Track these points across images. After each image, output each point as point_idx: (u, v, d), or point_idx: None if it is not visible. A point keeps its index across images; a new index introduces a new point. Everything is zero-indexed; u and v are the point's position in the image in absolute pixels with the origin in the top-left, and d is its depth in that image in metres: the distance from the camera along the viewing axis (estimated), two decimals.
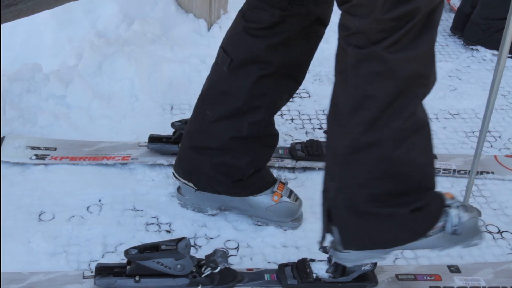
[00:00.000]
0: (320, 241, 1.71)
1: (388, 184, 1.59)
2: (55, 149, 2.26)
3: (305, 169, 2.29)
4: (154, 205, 2.08)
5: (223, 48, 1.88)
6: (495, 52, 3.11)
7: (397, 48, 1.47)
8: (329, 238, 1.70)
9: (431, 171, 1.65)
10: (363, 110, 1.53)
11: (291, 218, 2.02)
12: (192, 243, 1.94)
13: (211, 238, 1.97)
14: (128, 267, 1.72)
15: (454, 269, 1.89)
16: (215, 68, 1.93)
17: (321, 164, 2.27)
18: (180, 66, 2.76)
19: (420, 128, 1.59)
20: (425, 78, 1.55)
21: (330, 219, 1.67)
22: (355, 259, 1.69)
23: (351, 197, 1.61)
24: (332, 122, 1.63)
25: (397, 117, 1.53)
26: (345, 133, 1.57)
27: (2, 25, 2.07)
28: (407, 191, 1.61)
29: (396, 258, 1.96)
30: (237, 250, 1.94)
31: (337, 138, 1.60)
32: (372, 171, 1.58)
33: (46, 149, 2.25)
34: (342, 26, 1.53)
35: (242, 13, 1.88)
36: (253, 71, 1.83)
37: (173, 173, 2.05)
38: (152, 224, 2.02)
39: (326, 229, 1.68)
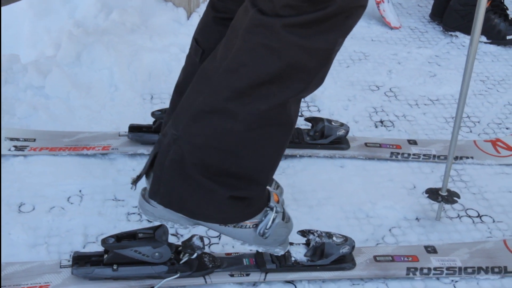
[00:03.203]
0: (134, 179, 1.63)
1: (223, 159, 1.53)
2: (34, 140, 2.24)
3: (286, 156, 2.29)
4: (135, 195, 2.05)
5: (195, 39, 1.87)
6: None
7: (297, 32, 1.40)
8: (143, 181, 1.63)
9: (271, 168, 1.61)
10: (236, 76, 1.46)
11: None
12: (173, 232, 1.93)
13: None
14: (105, 256, 1.71)
15: (431, 250, 1.91)
16: (188, 60, 1.92)
17: (302, 151, 2.28)
18: (160, 55, 2.75)
19: (283, 124, 1.53)
20: (307, 75, 1.48)
21: (152, 164, 1.58)
22: (159, 216, 1.61)
23: (183, 152, 1.52)
24: (203, 73, 1.54)
25: (264, 100, 1.47)
26: (211, 90, 1.49)
27: None
28: (237, 176, 1.55)
29: (377, 244, 1.97)
30: (219, 238, 1.94)
31: (200, 91, 1.52)
32: (215, 139, 1.51)
33: (25, 140, 2.23)
34: None
35: (211, 3, 1.86)
36: None
37: None
38: (134, 213, 2.01)
39: (146, 172, 1.60)
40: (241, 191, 1.58)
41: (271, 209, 1.65)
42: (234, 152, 1.53)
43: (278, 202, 1.68)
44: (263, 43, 1.43)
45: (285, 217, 1.69)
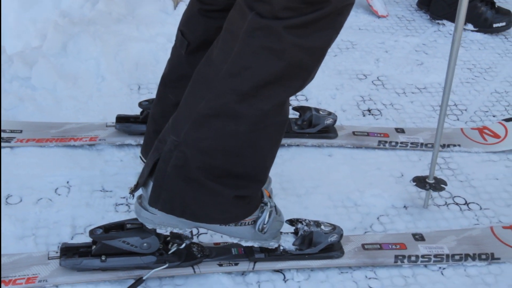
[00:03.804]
0: (132, 188, 1.64)
1: (228, 161, 1.57)
2: (21, 131, 2.23)
3: None
4: (123, 186, 2.07)
5: (181, 31, 1.87)
6: None
7: (297, 33, 1.44)
8: (140, 191, 1.64)
9: (269, 165, 1.66)
10: (239, 79, 1.48)
11: None
12: None
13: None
14: (93, 247, 1.71)
15: (419, 237, 1.92)
16: (174, 51, 1.92)
17: (290, 141, 2.28)
18: (147, 45, 2.73)
19: (280, 123, 1.58)
20: (307, 73, 1.53)
21: (151, 172, 1.59)
22: (158, 222, 1.62)
23: (186, 158, 1.54)
24: (201, 77, 1.56)
25: (267, 100, 1.51)
26: (213, 94, 1.51)
27: None
28: (240, 176, 1.59)
29: (365, 232, 1.98)
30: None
31: (200, 96, 1.53)
32: (221, 141, 1.54)
33: (11, 131, 2.21)
34: None
35: None
36: None
37: (140, 156, 2.04)
38: (122, 204, 2.01)
39: (143, 180, 1.60)
40: (244, 190, 1.62)
41: (266, 204, 1.69)
42: (238, 153, 1.57)
43: (269, 197, 1.72)
44: (265, 46, 1.45)
45: (277, 211, 1.73)
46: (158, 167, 1.57)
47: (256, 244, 1.72)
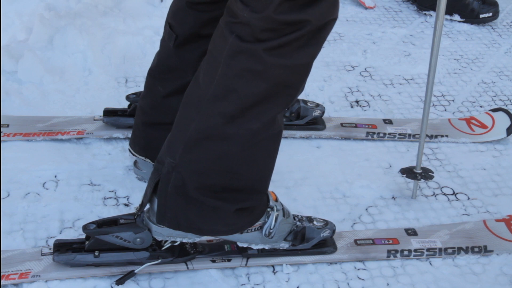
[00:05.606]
0: (138, 208, 1.67)
1: (224, 179, 1.59)
2: (8, 125, 2.21)
3: None
4: (111, 179, 2.06)
5: (169, 24, 1.86)
6: (447, 16, 3.15)
7: (278, 53, 1.44)
8: (147, 206, 1.68)
9: (269, 175, 1.67)
10: (225, 102, 1.50)
11: None
12: None
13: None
14: (86, 242, 1.70)
15: (411, 232, 1.93)
16: (162, 44, 1.92)
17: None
18: (134, 38, 2.72)
19: (275, 135, 1.59)
20: (293, 89, 1.54)
21: (154, 190, 1.63)
22: (167, 234, 1.66)
23: (184, 179, 1.58)
24: (190, 100, 1.57)
25: (256, 120, 1.52)
26: (202, 117, 1.53)
27: None
28: (239, 190, 1.61)
29: (354, 223, 1.99)
30: None
31: (190, 118, 1.55)
32: (214, 162, 1.57)
33: None
34: (230, 11, 1.46)
35: None
36: (198, 46, 1.80)
37: (129, 149, 2.03)
38: (110, 198, 2.00)
39: (148, 199, 1.64)
40: (245, 202, 1.64)
41: (272, 209, 1.70)
42: (234, 170, 1.58)
43: (276, 200, 1.73)
44: (247, 68, 1.46)
45: (285, 213, 1.73)
46: (160, 188, 1.60)
47: (266, 247, 1.74)
